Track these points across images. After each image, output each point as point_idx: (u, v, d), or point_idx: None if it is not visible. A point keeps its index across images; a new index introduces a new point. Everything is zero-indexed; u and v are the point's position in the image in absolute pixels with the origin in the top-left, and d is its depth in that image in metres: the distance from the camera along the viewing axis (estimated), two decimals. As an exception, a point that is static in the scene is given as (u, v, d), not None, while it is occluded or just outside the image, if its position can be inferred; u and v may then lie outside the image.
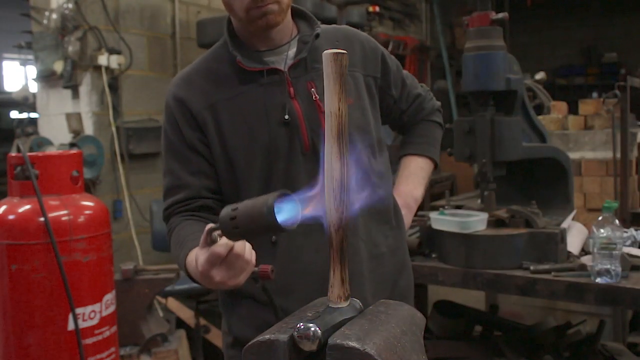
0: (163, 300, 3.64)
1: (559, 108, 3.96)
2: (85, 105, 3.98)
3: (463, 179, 6.25)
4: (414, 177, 1.62)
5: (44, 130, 4.15)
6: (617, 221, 2.03)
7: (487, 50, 2.33)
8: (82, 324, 2.29)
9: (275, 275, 1.15)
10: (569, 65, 10.65)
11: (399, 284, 1.50)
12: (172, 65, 4.50)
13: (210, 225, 1.04)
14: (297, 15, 1.44)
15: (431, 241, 2.40)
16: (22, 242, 2.23)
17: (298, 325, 0.86)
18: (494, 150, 2.33)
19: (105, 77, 3.96)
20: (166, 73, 4.42)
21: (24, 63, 9.35)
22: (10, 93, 6.74)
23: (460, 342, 2.93)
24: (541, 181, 2.55)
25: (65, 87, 3.97)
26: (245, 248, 1.07)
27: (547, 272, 2.09)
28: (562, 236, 2.16)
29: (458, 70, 6.23)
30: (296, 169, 1.33)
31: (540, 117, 3.20)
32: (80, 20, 3.89)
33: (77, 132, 3.80)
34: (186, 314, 3.63)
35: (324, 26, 1.44)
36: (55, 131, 3.99)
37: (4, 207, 2.29)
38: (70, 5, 3.86)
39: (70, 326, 2.26)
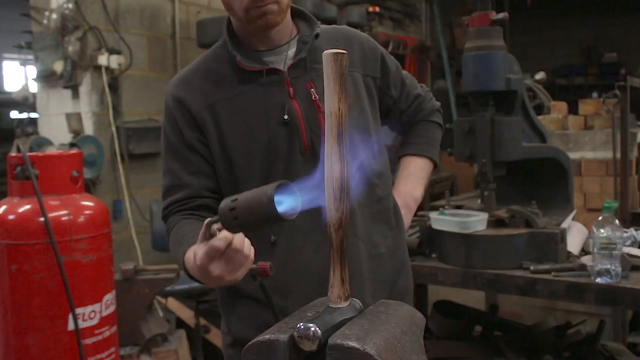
0: (163, 300, 3.64)
1: (559, 108, 3.96)
2: (85, 105, 3.98)
3: (463, 179, 6.26)
4: (413, 178, 1.62)
5: (44, 130, 4.15)
6: (617, 221, 2.03)
7: (487, 50, 2.33)
8: (82, 324, 2.29)
9: (274, 274, 1.15)
10: (569, 65, 10.65)
11: (398, 284, 1.50)
12: (172, 65, 4.50)
13: (209, 219, 1.04)
14: (297, 15, 1.44)
15: (431, 241, 2.40)
16: (22, 242, 2.23)
17: (298, 325, 0.86)
18: (494, 150, 2.33)
19: (105, 77, 3.96)
20: (166, 73, 4.42)
21: (24, 63, 9.34)
22: (10, 93, 6.74)
23: (460, 342, 2.93)
24: (541, 181, 2.55)
25: (65, 87, 3.97)
26: (244, 243, 1.07)
27: (547, 272, 2.09)
28: (562, 236, 2.16)
29: (458, 70, 6.23)
30: (295, 168, 1.33)
31: (540, 117, 3.20)
32: (80, 20, 3.89)
33: (77, 132, 3.80)
34: (186, 314, 3.63)
35: (323, 26, 1.44)
36: (55, 131, 3.99)
37: (4, 207, 2.29)
38: (70, 5, 3.86)
39: (70, 326, 2.26)
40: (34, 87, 4.69)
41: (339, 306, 0.92)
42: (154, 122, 4.21)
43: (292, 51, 1.38)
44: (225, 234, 1.03)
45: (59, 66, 3.90)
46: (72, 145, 3.70)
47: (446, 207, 2.45)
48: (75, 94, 4.00)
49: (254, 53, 1.37)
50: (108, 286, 2.44)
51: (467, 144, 2.39)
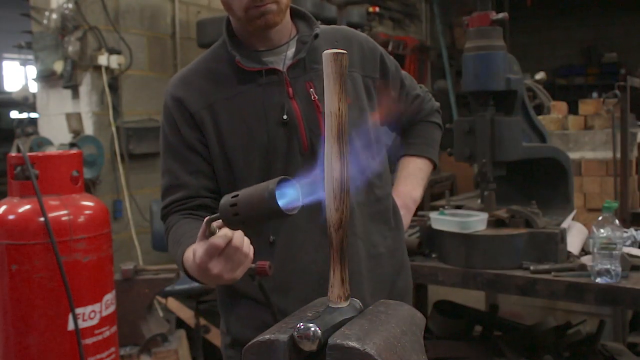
0: (163, 300, 3.64)
1: (559, 108, 3.96)
2: (85, 105, 3.98)
3: (463, 179, 6.26)
4: (412, 178, 1.62)
5: (44, 130, 4.15)
6: (617, 221, 2.03)
7: (487, 50, 2.33)
8: (82, 324, 2.29)
9: (273, 274, 1.14)
10: (569, 65, 10.65)
11: (397, 284, 1.50)
12: (172, 65, 4.50)
13: (209, 216, 1.03)
14: (296, 15, 1.44)
15: (431, 241, 2.40)
16: (22, 242, 2.23)
17: (298, 325, 0.86)
18: (494, 150, 2.33)
19: (105, 77, 3.96)
20: (166, 73, 4.42)
21: (24, 63, 9.34)
22: (10, 93, 6.74)
23: (460, 342, 2.93)
24: (541, 181, 2.55)
25: (65, 87, 3.97)
26: (243, 241, 1.07)
27: (547, 272, 2.09)
28: (562, 236, 2.16)
29: (458, 70, 6.23)
30: (295, 169, 1.33)
31: (540, 117, 3.20)
32: (80, 20, 3.89)
33: (77, 132, 3.80)
34: (186, 314, 3.63)
35: (323, 26, 1.44)
36: (55, 131, 3.99)
37: (4, 207, 2.29)
38: (70, 5, 3.86)
39: (70, 326, 2.26)
40: (34, 87, 4.69)
41: (339, 306, 0.92)
42: (154, 122, 4.21)
43: (291, 51, 1.38)
44: (225, 231, 1.03)
45: (59, 66, 3.90)
46: (72, 145, 3.70)
47: (446, 207, 2.45)
48: (75, 94, 4.00)
49: (253, 53, 1.37)
50: (108, 286, 2.44)
51: (467, 144, 2.39)
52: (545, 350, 2.78)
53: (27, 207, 2.26)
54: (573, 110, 3.99)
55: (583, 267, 2.08)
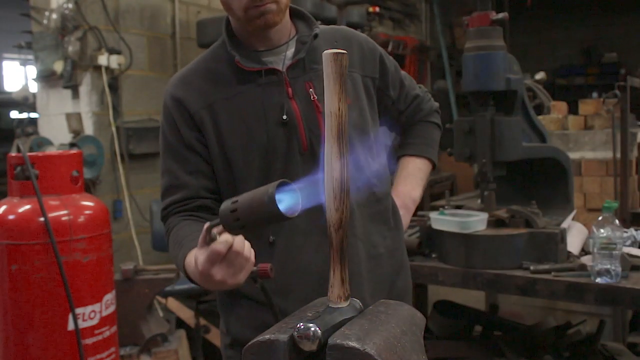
0: (163, 300, 3.64)
1: (559, 108, 3.96)
2: (85, 105, 3.98)
3: (463, 179, 6.25)
4: (412, 178, 1.62)
5: (44, 130, 4.15)
6: (617, 221, 2.03)
7: (487, 50, 2.33)
8: (82, 324, 2.29)
9: (273, 274, 1.14)
10: (569, 65, 10.65)
11: (397, 284, 1.50)
12: (172, 65, 4.50)
13: (209, 223, 1.03)
14: (296, 15, 1.44)
15: (431, 241, 2.40)
16: (22, 242, 2.23)
17: (298, 325, 0.86)
18: (494, 150, 2.33)
19: (105, 77, 3.96)
20: (166, 73, 4.42)
21: (24, 63, 9.35)
22: (10, 93, 6.74)
23: (460, 342, 2.93)
24: (541, 181, 2.55)
25: (65, 87, 3.97)
26: (244, 245, 1.07)
27: (547, 272, 2.09)
28: (562, 236, 2.16)
29: (458, 70, 6.23)
30: (294, 169, 1.33)
31: (540, 117, 3.20)
32: (80, 20, 3.89)
33: (77, 132, 3.80)
34: (186, 314, 3.63)
35: (322, 27, 1.44)
36: (55, 131, 3.99)
37: (4, 207, 2.29)
38: (70, 5, 3.86)
39: (70, 326, 2.26)
40: (34, 87, 4.69)
41: (339, 306, 0.92)
42: (154, 122, 4.21)
43: (290, 51, 1.38)
44: (225, 237, 1.03)
45: (59, 66, 3.90)
46: (72, 145, 3.70)
47: (446, 207, 2.45)
48: (75, 94, 4.00)
49: (253, 53, 1.37)
50: (108, 286, 2.44)
51: (467, 144, 2.39)
52: (545, 350, 2.79)
53: (27, 207, 2.26)
54: (573, 110, 3.99)
55: (583, 267, 2.08)
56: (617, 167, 3.25)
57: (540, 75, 4.56)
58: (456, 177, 6.43)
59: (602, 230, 2.00)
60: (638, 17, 9.83)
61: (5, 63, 13.45)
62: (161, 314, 3.61)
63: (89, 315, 2.33)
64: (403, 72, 1.60)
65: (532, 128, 2.56)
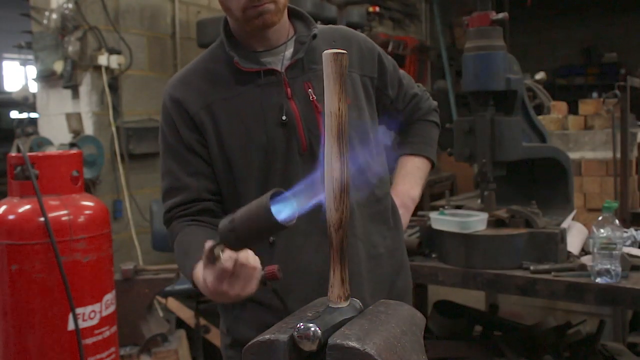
0: (163, 300, 3.64)
1: (559, 108, 3.96)
2: (85, 105, 3.98)
3: (463, 179, 6.25)
4: (411, 177, 1.62)
5: (44, 130, 4.15)
6: (617, 221, 2.03)
7: (487, 50, 2.33)
8: (82, 324, 2.29)
9: (281, 274, 1.14)
10: (569, 65, 10.65)
11: (397, 284, 1.50)
12: (172, 65, 4.50)
13: (210, 243, 1.03)
14: (294, 15, 1.44)
15: (431, 241, 2.40)
16: (22, 242, 2.23)
17: (298, 325, 0.86)
18: (494, 150, 2.33)
19: (105, 77, 3.96)
20: (166, 73, 4.42)
21: (24, 63, 9.35)
22: (10, 93, 6.74)
23: (460, 342, 2.93)
24: (541, 181, 2.55)
25: (65, 87, 3.97)
26: (248, 255, 1.07)
27: (547, 272, 2.09)
28: (562, 236, 2.16)
29: (458, 70, 6.22)
30: (294, 169, 1.33)
31: (540, 117, 3.20)
32: (80, 20, 3.89)
33: (77, 132, 3.80)
34: (186, 314, 3.63)
35: (320, 26, 1.44)
36: (55, 131, 3.99)
37: (4, 207, 2.29)
38: (70, 5, 3.86)
39: (70, 326, 2.26)
40: (34, 87, 4.69)
41: (339, 306, 0.92)
42: (154, 122, 4.21)
43: (289, 52, 1.38)
44: (229, 253, 1.04)
45: (59, 66, 3.90)
46: (72, 145, 3.70)
47: (446, 207, 2.45)
48: (75, 94, 4.00)
49: (252, 54, 1.37)
50: (108, 286, 2.44)
51: (467, 144, 2.39)
52: (545, 350, 2.78)
53: (27, 207, 2.26)
54: (573, 110, 3.99)
55: (583, 267, 2.08)
56: (617, 167, 3.25)
57: (540, 75, 4.56)
58: (456, 177, 6.43)
59: (602, 230, 2.00)
60: (638, 17, 9.83)
61: (5, 63, 13.45)
62: (161, 314, 3.61)
63: (89, 315, 2.33)
64: (401, 71, 1.60)
65: (532, 128, 2.56)
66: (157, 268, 3.14)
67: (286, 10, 1.37)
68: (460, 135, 2.42)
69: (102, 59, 3.90)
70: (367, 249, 1.41)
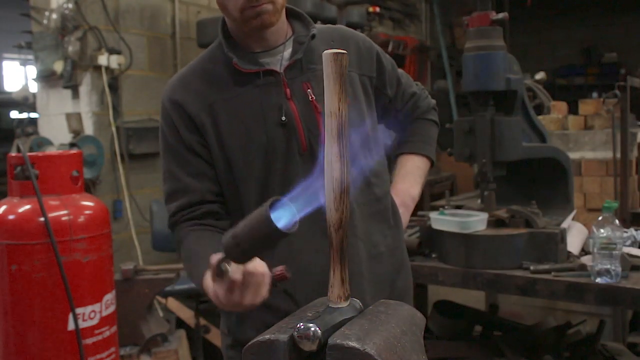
0: (163, 300, 3.64)
1: (559, 108, 3.96)
2: (85, 105, 3.98)
3: (463, 179, 6.25)
4: (410, 176, 1.62)
5: (44, 130, 4.15)
6: (617, 221, 2.03)
7: (487, 50, 2.33)
8: (82, 324, 2.29)
9: (290, 274, 1.14)
10: (569, 65, 10.64)
11: (397, 284, 1.50)
12: (172, 65, 4.50)
13: (217, 258, 1.04)
14: (292, 15, 1.44)
15: (431, 241, 2.40)
16: (22, 242, 2.23)
17: (298, 325, 0.86)
18: (494, 150, 2.33)
19: (105, 77, 3.96)
20: (166, 73, 4.42)
21: (24, 63, 9.34)
22: (10, 93, 6.74)
23: (460, 342, 2.93)
24: (541, 181, 2.55)
25: (65, 87, 3.97)
26: (255, 263, 1.07)
27: (547, 272, 2.09)
28: (562, 236, 2.16)
29: (458, 70, 6.23)
30: (294, 169, 1.33)
31: (540, 117, 3.20)
32: (80, 20, 3.89)
33: (77, 132, 3.80)
34: (186, 314, 3.64)
35: (318, 26, 1.44)
36: (55, 131, 4.00)
37: (4, 207, 2.29)
38: (70, 5, 3.86)
39: (70, 326, 2.26)
40: (34, 87, 4.69)
41: (339, 306, 0.92)
42: (154, 122, 4.21)
43: (287, 52, 1.38)
44: (236, 266, 1.04)
45: (59, 66, 3.90)
46: (72, 145, 3.70)
47: (446, 207, 2.45)
48: (75, 94, 4.00)
49: (250, 55, 1.37)
50: (108, 286, 2.43)
51: (467, 144, 2.39)
52: (545, 350, 2.78)
53: (27, 207, 2.26)
54: (573, 110, 3.99)
55: (583, 267, 2.08)
56: (617, 167, 3.25)
57: (540, 75, 4.56)
58: (456, 177, 6.43)
59: (602, 230, 1.99)
60: (638, 17, 9.83)
61: (5, 63, 13.44)
62: (161, 314, 3.61)
63: (89, 315, 2.33)
64: (400, 70, 1.60)
65: (532, 128, 2.56)
66: (157, 268, 3.14)
67: (284, 11, 1.37)
68: (460, 135, 2.42)
69: (102, 59, 3.90)
70: (367, 249, 1.41)
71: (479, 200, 2.64)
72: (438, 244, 2.35)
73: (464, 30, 2.50)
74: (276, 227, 0.91)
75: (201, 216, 1.36)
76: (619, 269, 1.98)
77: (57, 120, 4.00)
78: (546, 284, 2.07)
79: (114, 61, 3.96)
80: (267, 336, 0.87)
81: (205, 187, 1.36)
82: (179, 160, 1.37)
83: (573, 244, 2.27)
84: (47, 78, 4.07)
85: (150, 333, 2.98)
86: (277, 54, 1.38)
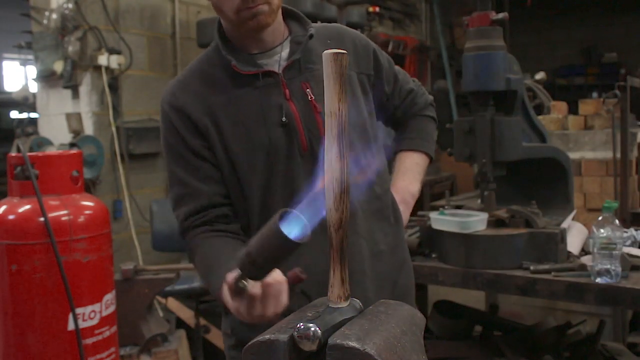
0: (163, 300, 3.64)
1: (559, 108, 3.96)
2: (85, 105, 3.98)
3: (463, 179, 6.25)
4: (410, 173, 1.62)
5: (44, 130, 4.15)
6: (617, 221, 2.03)
7: (487, 50, 2.33)
8: (82, 324, 2.29)
9: (305, 275, 1.14)
10: (569, 65, 10.65)
11: (399, 282, 1.50)
12: (172, 65, 4.50)
13: (233, 277, 1.04)
14: (288, 15, 1.43)
15: (431, 241, 2.40)
16: (22, 242, 2.23)
17: (298, 325, 0.86)
18: (494, 150, 2.33)
19: (105, 77, 3.96)
20: (166, 73, 4.42)
21: (24, 63, 9.34)
22: (10, 93, 6.74)
23: (460, 342, 2.93)
24: (541, 181, 2.55)
25: (65, 87, 3.97)
26: (271, 274, 1.07)
27: (547, 272, 2.09)
28: (562, 236, 2.16)
29: (458, 70, 6.22)
30: (295, 169, 1.33)
31: (540, 117, 3.20)
32: (80, 20, 3.89)
33: (77, 132, 3.80)
34: (186, 314, 3.64)
35: (315, 25, 1.44)
36: (55, 131, 3.99)
37: (4, 207, 2.29)
38: (70, 5, 3.86)
39: (70, 326, 2.26)
40: (34, 87, 4.69)
41: (339, 306, 0.91)
42: (154, 122, 4.21)
43: (285, 52, 1.37)
44: (253, 282, 1.05)
45: (59, 66, 3.90)
46: (72, 145, 3.70)
47: (446, 207, 2.45)
48: (75, 94, 4.00)
49: (248, 56, 1.36)
50: (108, 286, 2.43)
51: (467, 144, 2.39)
52: (545, 350, 2.78)
53: (27, 207, 2.26)
54: (573, 110, 3.99)
55: (583, 267, 2.08)
56: (617, 167, 3.25)
57: (540, 75, 4.57)
58: (456, 177, 6.43)
59: (602, 230, 1.99)
60: (638, 17, 9.84)
61: (5, 63, 13.45)
62: (161, 314, 3.61)
63: (89, 315, 2.33)
64: (396, 67, 1.60)
65: (532, 128, 2.56)
66: (157, 268, 3.14)
67: (280, 11, 1.37)
68: (460, 135, 2.42)
69: (102, 59, 3.90)
70: (370, 247, 1.41)
71: (479, 200, 2.64)
72: (438, 244, 2.35)
73: (464, 30, 2.50)
74: (289, 239, 0.91)
75: (212, 221, 1.35)
76: (619, 269, 1.98)
77: (57, 120, 4.00)
78: (546, 284, 2.07)
79: (114, 61, 3.96)
80: (267, 336, 0.87)
81: (213, 190, 1.35)
82: (184, 165, 1.36)
83: (573, 244, 2.27)
84: (47, 78, 4.07)
85: (150, 333, 2.98)
86: (274, 55, 1.37)
